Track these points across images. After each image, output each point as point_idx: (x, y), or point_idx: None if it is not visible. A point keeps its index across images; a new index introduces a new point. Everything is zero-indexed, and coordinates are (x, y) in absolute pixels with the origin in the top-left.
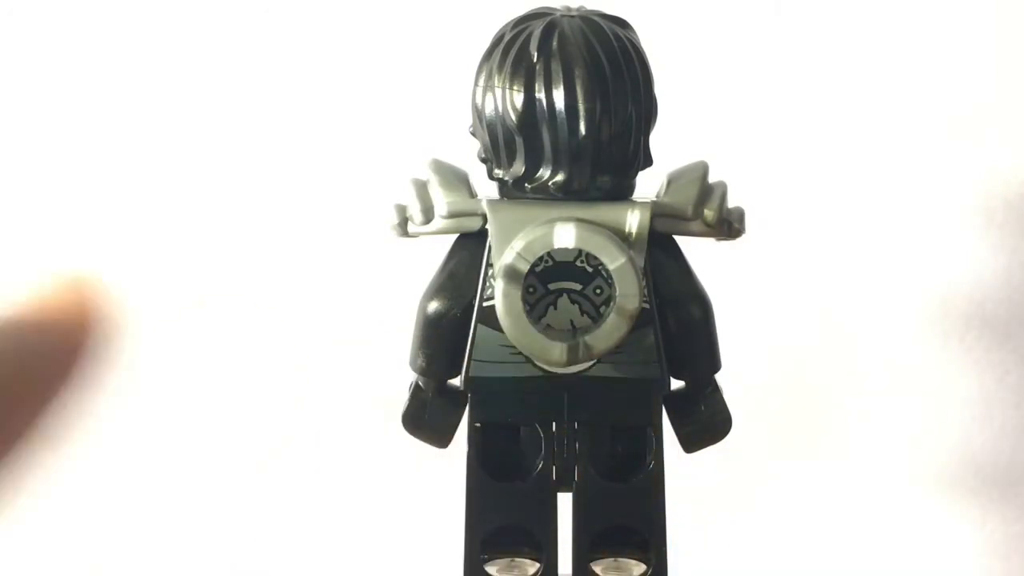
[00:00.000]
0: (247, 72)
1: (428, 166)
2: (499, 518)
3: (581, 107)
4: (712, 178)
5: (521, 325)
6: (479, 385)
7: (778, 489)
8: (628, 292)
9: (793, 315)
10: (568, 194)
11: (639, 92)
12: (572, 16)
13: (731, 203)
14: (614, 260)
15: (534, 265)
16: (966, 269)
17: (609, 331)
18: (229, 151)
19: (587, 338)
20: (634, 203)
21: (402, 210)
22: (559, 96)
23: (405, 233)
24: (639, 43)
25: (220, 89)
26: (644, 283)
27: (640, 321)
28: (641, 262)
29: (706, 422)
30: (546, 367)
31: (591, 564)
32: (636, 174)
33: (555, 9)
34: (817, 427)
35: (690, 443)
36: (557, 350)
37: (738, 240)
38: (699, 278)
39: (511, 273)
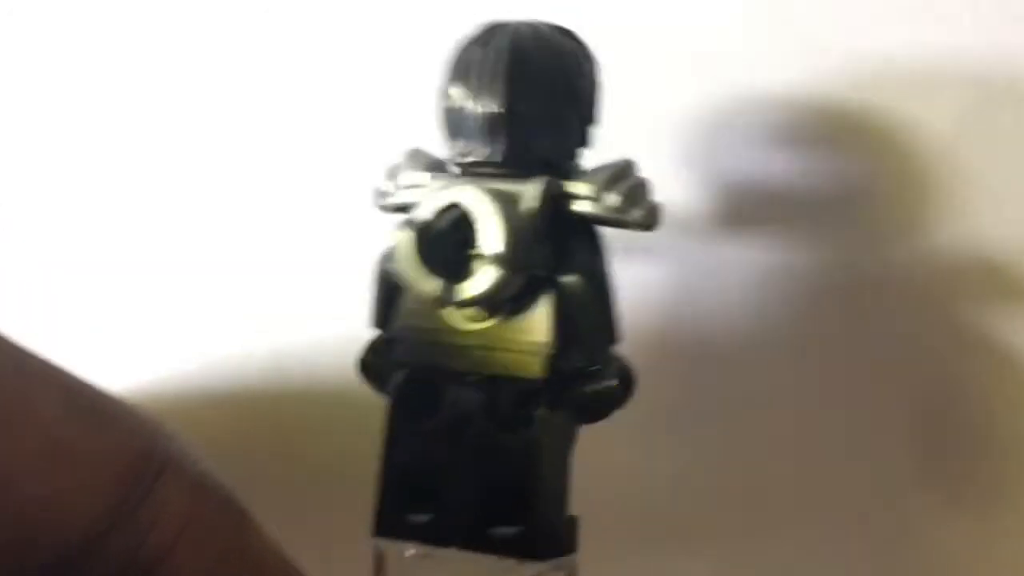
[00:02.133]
0: (247, 72)
1: (404, 153)
2: (410, 458)
3: (502, 90)
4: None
5: (409, 261)
6: (398, 333)
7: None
8: (493, 242)
9: None
10: (490, 169)
11: (565, 90)
12: (519, 23)
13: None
14: (484, 213)
15: (451, 234)
16: None
17: (481, 279)
18: (229, 151)
19: (464, 283)
20: (544, 180)
21: (379, 189)
22: (486, 81)
23: (382, 207)
24: (581, 52)
25: (220, 89)
26: (543, 251)
27: (537, 288)
28: (533, 229)
29: (592, 394)
30: (454, 324)
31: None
32: (561, 163)
33: (509, 21)
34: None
35: (580, 414)
36: (432, 285)
37: None
38: (608, 261)
39: (409, 222)
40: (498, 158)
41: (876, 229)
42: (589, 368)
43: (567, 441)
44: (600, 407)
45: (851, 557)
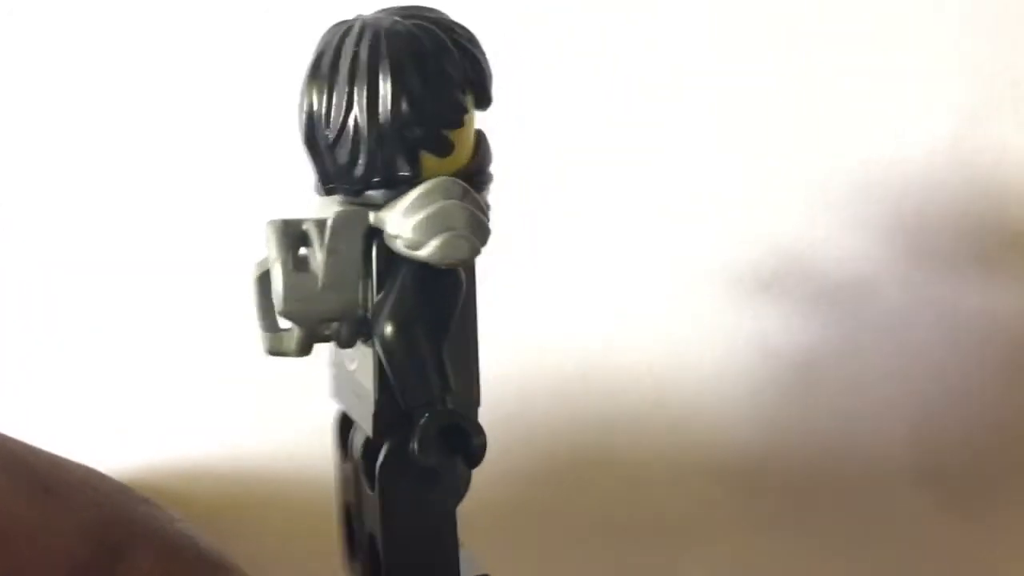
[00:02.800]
0: (247, 72)
1: None
2: (346, 494)
3: (307, 104)
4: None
5: (255, 306)
6: (329, 367)
7: None
8: (276, 294)
9: None
10: (330, 192)
11: (376, 99)
12: (366, 17)
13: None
14: (270, 259)
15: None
16: None
17: (291, 332)
18: (229, 151)
19: (287, 334)
20: (335, 212)
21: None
22: (315, 96)
23: None
24: (429, 48)
25: (220, 89)
26: (346, 294)
27: (366, 331)
28: (325, 274)
29: (386, 455)
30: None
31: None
32: (376, 183)
33: (356, 18)
34: None
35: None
36: (265, 340)
37: None
38: (440, 299)
39: (259, 263)
40: (320, 180)
41: None
42: (411, 424)
43: (435, 503)
44: (393, 471)
45: (852, 557)
